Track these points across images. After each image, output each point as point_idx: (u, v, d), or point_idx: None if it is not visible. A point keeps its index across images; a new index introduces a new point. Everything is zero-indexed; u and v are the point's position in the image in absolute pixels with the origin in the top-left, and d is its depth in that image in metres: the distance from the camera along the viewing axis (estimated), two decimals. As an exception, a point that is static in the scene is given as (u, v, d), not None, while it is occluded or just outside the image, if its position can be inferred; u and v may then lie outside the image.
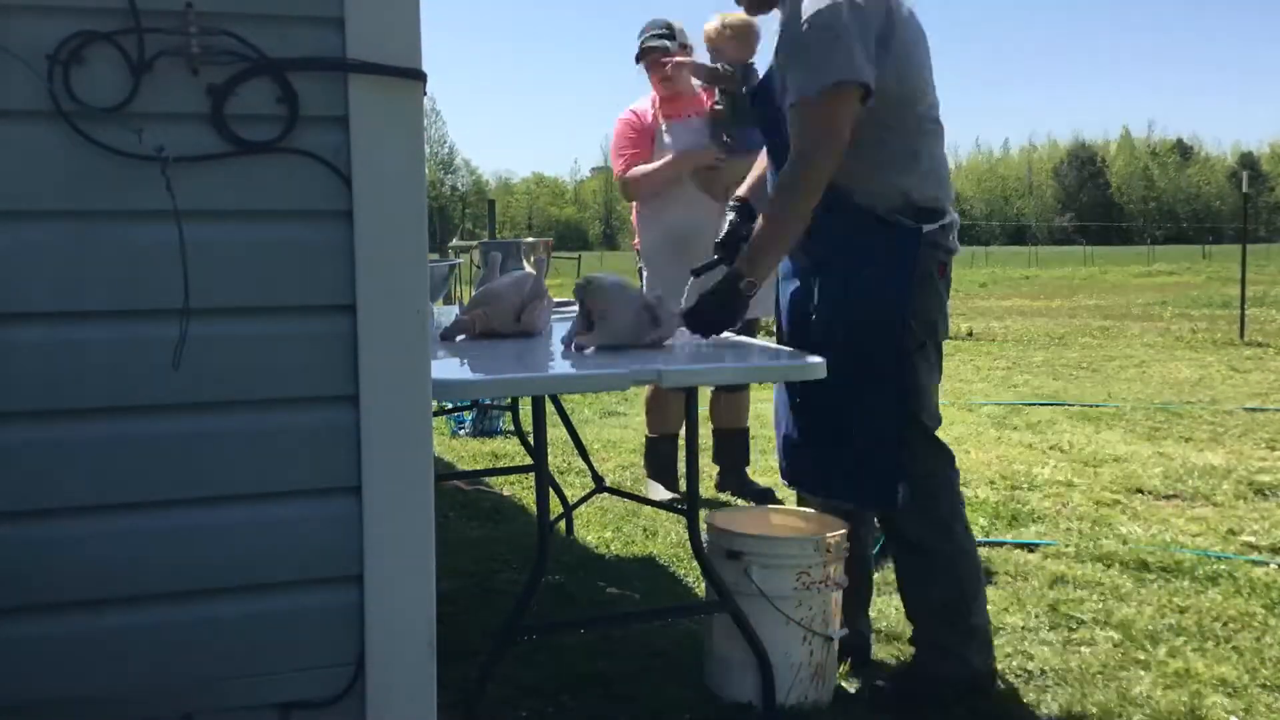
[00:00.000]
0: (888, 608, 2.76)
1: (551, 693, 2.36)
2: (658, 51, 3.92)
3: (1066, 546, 3.42)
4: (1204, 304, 14.68)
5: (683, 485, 3.86)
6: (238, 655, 1.54)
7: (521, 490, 4.25)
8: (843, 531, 2.36)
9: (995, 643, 2.63)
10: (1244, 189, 11.84)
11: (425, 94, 1.55)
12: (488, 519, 3.89)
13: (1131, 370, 7.92)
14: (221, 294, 1.48)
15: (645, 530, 3.67)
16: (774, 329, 2.65)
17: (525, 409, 3.71)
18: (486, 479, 4.45)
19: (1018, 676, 2.46)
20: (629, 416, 6.03)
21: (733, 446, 4.24)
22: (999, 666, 2.49)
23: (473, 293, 2.62)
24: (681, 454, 3.93)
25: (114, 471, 1.46)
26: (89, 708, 1.49)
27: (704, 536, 2.35)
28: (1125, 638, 2.67)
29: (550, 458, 4.18)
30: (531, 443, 3.04)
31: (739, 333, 2.57)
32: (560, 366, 2.14)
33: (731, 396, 4.18)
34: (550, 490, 2.75)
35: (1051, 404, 6.39)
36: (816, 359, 2.08)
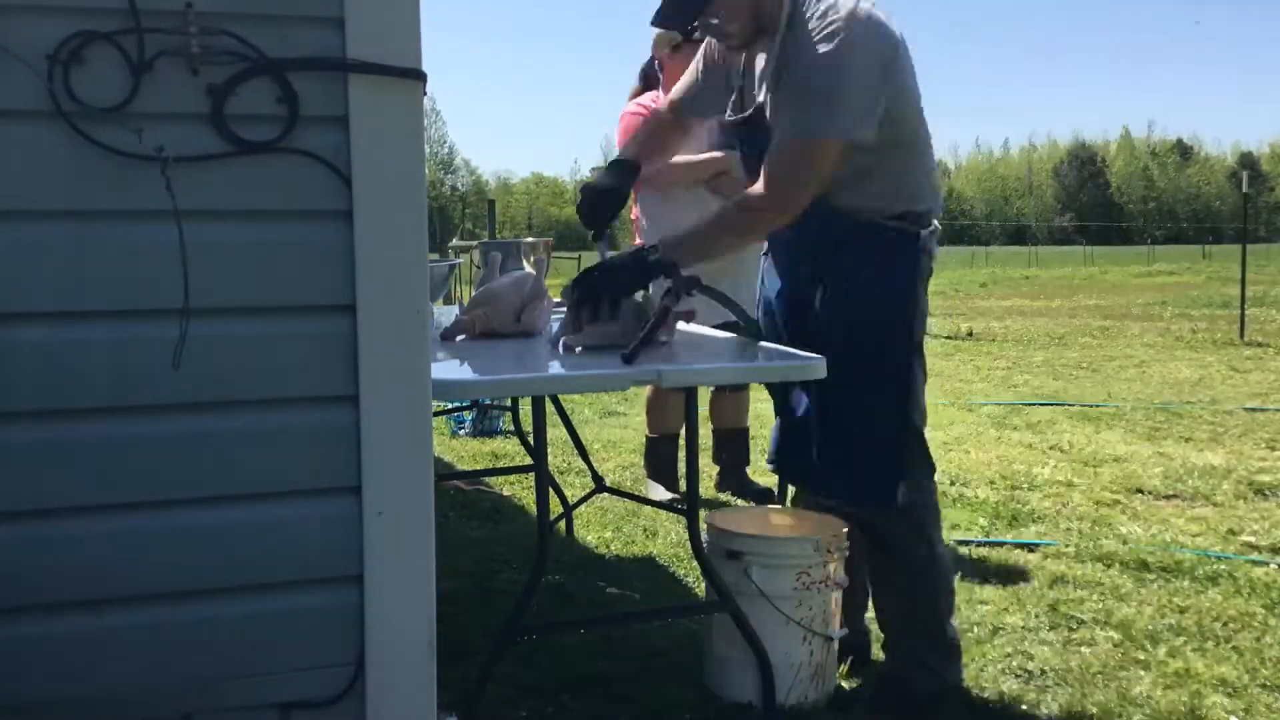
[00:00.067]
0: (888, 608, 2.76)
1: (551, 693, 2.36)
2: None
3: (1066, 546, 3.42)
4: (1204, 304, 14.68)
5: (683, 485, 3.86)
6: (238, 655, 1.54)
7: (521, 490, 4.25)
8: (843, 531, 2.36)
9: (995, 643, 2.64)
10: (1244, 189, 11.85)
11: (425, 94, 1.55)
12: (488, 519, 3.89)
13: (1131, 370, 7.92)
14: (221, 294, 1.48)
15: (645, 530, 3.67)
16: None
17: (525, 409, 3.71)
18: (486, 479, 4.45)
19: (1018, 676, 2.46)
20: (629, 416, 6.03)
21: (733, 446, 4.24)
22: (999, 667, 2.50)
23: (473, 293, 2.62)
24: (682, 454, 3.93)
25: (114, 471, 1.46)
26: (89, 708, 1.49)
27: (704, 536, 2.35)
28: (1125, 638, 2.67)
29: (550, 458, 4.18)
30: (531, 443, 3.04)
31: (728, 329, 2.57)
32: (560, 367, 2.14)
33: (732, 397, 4.18)
34: (550, 490, 2.75)
35: (1051, 404, 6.39)
36: (817, 358, 2.08)
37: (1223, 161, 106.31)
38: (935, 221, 2.30)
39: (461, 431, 5.55)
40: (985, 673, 2.47)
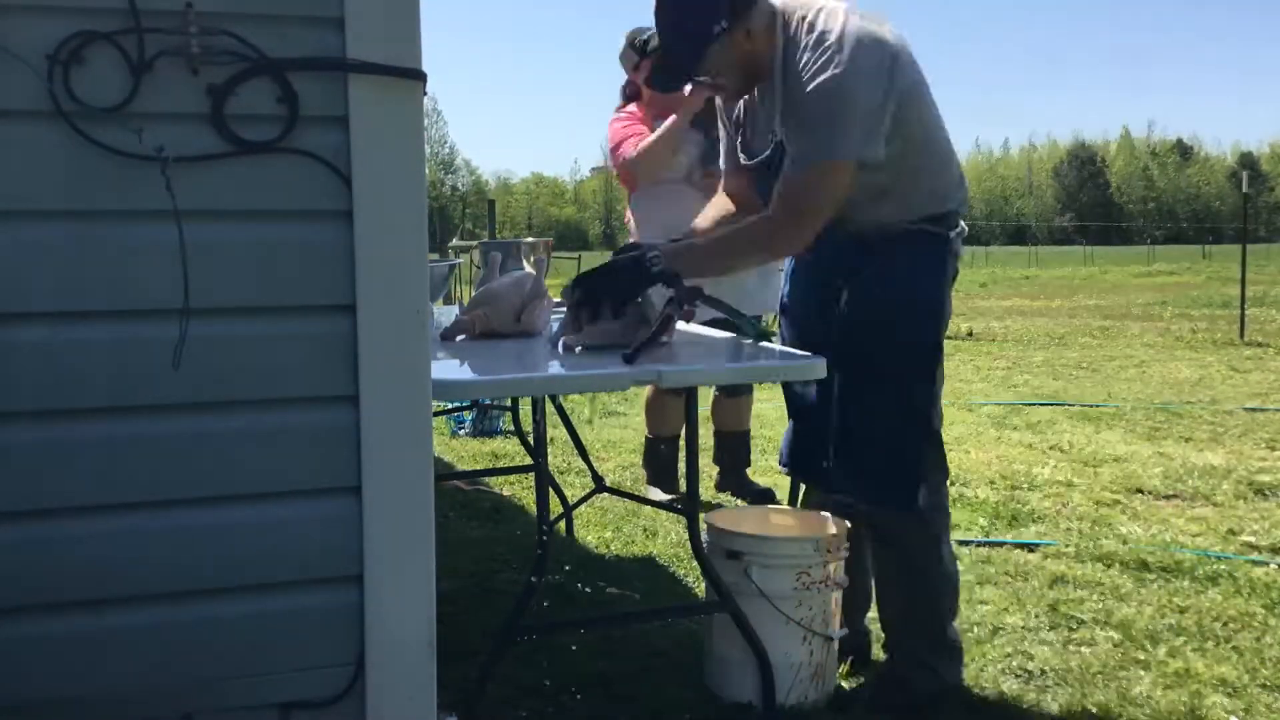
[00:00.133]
0: (888, 608, 2.76)
1: (551, 693, 2.36)
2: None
3: (1066, 546, 3.42)
4: (1204, 304, 14.68)
5: (682, 486, 3.86)
6: (238, 655, 1.54)
7: (521, 490, 4.25)
8: (843, 531, 2.36)
9: (995, 643, 2.64)
10: (1244, 189, 11.85)
11: (425, 94, 1.55)
12: (488, 519, 3.89)
13: (1131, 370, 7.92)
14: (221, 294, 1.48)
15: (645, 530, 3.67)
16: (777, 328, 2.64)
17: (525, 409, 3.71)
18: (486, 479, 4.45)
19: (1018, 676, 2.46)
20: (629, 416, 6.03)
21: (733, 448, 4.24)
22: (999, 667, 2.50)
23: (473, 293, 2.62)
24: (682, 454, 3.93)
25: (114, 471, 1.46)
26: (89, 708, 1.49)
27: (704, 537, 2.35)
28: (1125, 638, 2.67)
29: (550, 458, 4.19)
30: (531, 443, 3.05)
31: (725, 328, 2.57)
32: (560, 367, 2.14)
33: (733, 400, 4.18)
34: (550, 490, 2.75)
35: (1051, 404, 6.39)
36: (818, 359, 2.08)
37: (1223, 161, 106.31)
38: (962, 222, 2.30)
39: (461, 431, 5.55)
40: (985, 673, 2.47)
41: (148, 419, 1.47)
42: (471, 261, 2.93)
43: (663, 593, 3.08)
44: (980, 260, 37.32)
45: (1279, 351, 8.92)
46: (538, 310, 2.49)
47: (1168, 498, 4.12)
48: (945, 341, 2.38)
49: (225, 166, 1.46)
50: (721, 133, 2.52)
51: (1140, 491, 4.19)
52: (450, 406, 5.05)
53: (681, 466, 3.96)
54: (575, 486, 4.10)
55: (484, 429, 5.52)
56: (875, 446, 2.24)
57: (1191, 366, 8.01)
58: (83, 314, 1.44)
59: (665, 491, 4.09)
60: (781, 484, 3.97)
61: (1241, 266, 10.89)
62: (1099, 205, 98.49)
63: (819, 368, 2.05)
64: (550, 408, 3.23)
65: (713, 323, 2.79)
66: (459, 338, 2.45)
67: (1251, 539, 3.52)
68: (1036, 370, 8.07)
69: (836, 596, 2.37)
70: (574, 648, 2.58)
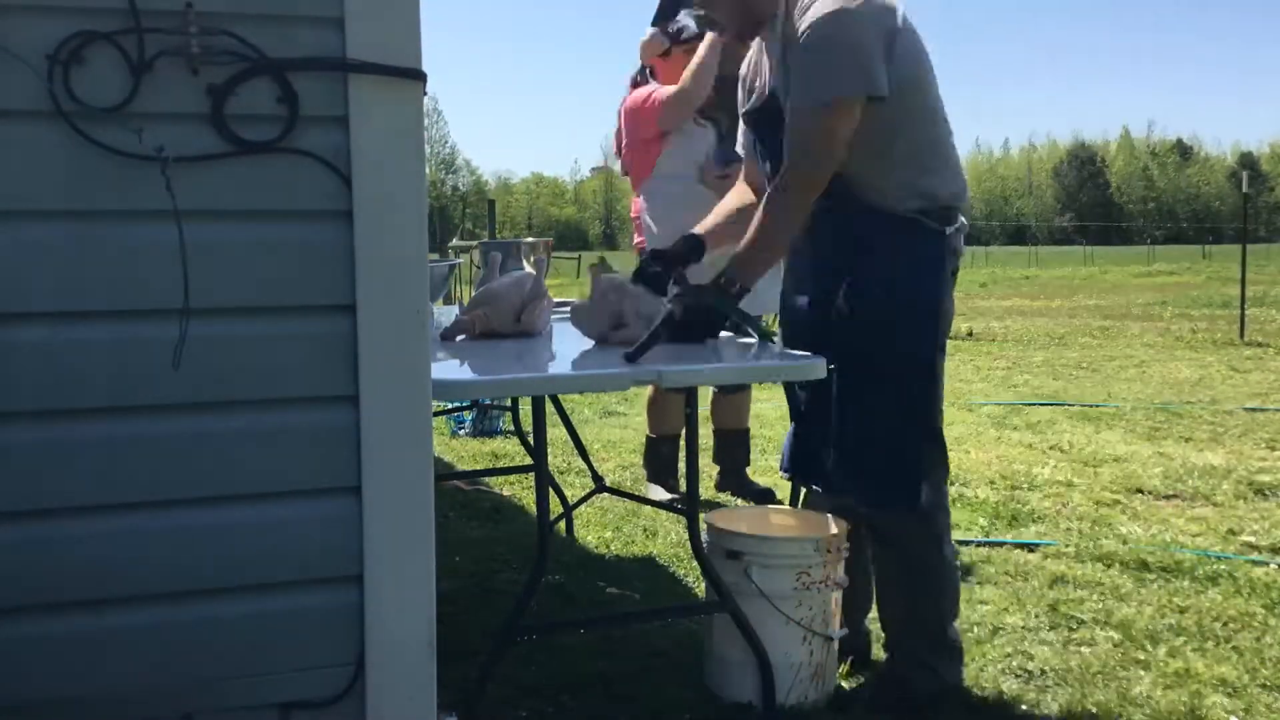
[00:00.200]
0: (888, 608, 2.76)
1: (551, 693, 2.36)
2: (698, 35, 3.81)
3: (1066, 546, 3.42)
4: (1204, 304, 14.68)
5: (683, 485, 3.86)
6: (238, 655, 1.54)
7: (521, 490, 4.25)
8: (843, 531, 2.36)
9: (995, 643, 2.64)
10: (1244, 189, 11.85)
11: (426, 94, 1.55)
12: (488, 519, 3.89)
13: (1131, 370, 7.92)
14: (221, 294, 1.48)
15: (645, 530, 3.67)
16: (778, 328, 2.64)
17: (525, 409, 3.71)
18: (486, 479, 4.45)
19: (1018, 676, 2.46)
20: (629, 416, 6.03)
21: (733, 447, 4.24)
22: (999, 667, 2.50)
23: (473, 293, 2.62)
24: (682, 454, 3.93)
25: (114, 471, 1.46)
26: (89, 708, 1.49)
27: (704, 537, 2.35)
28: (1125, 638, 2.67)
29: (550, 458, 4.18)
30: (531, 443, 3.04)
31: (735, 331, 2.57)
32: (560, 367, 2.14)
33: (733, 398, 4.18)
34: (550, 490, 2.75)
35: (1051, 404, 6.39)
36: (818, 359, 2.08)
37: (1223, 161, 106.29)
38: (962, 218, 2.30)
39: (461, 431, 5.55)
40: (985, 673, 2.47)
41: (148, 419, 1.47)
42: (471, 261, 2.94)
43: (663, 593, 3.08)
44: (980, 260, 37.32)
45: (1279, 351, 8.92)
46: (538, 310, 2.49)
47: (1168, 498, 4.12)
48: (946, 341, 2.37)
49: (225, 166, 1.46)
50: (741, 127, 2.52)
51: (1140, 491, 4.19)
52: (450, 406, 5.05)
53: (682, 466, 3.96)
54: (575, 486, 4.10)
55: (484, 429, 5.52)
56: (875, 447, 2.24)
57: (1191, 366, 8.02)
58: (83, 314, 1.44)
59: (666, 489, 4.09)
60: (782, 484, 3.98)
61: (1241, 266, 10.89)
62: (1099, 205, 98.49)
63: (819, 368, 2.05)
64: (550, 407, 3.23)
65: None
66: (459, 338, 2.45)
67: (1251, 539, 3.52)
68: (1036, 370, 8.07)
69: (836, 596, 2.37)
70: (574, 648, 2.58)
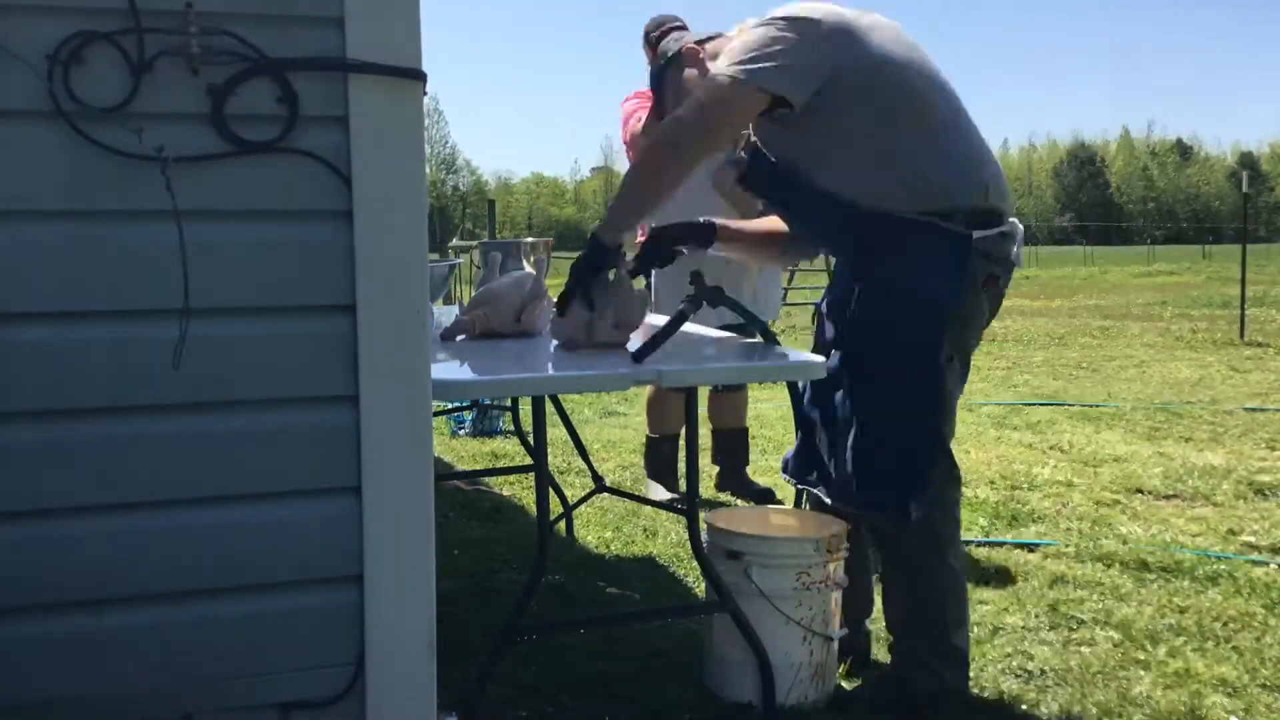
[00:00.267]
0: (888, 608, 2.76)
1: (551, 693, 2.36)
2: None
3: (1066, 546, 3.42)
4: (1204, 304, 14.68)
5: (683, 485, 3.86)
6: (238, 655, 1.54)
7: (521, 490, 4.25)
8: (843, 531, 2.36)
9: (995, 643, 2.63)
10: (1244, 189, 11.84)
11: (426, 94, 1.55)
12: (488, 519, 3.89)
13: (1131, 370, 7.92)
14: (221, 294, 1.48)
15: (645, 530, 3.67)
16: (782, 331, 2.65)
17: (525, 409, 3.71)
18: (486, 479, 4.45)
19: (1018, 676, 2.46)
20: (629, 416, 6.03)
21: (732, 446, 4.24)
22: (999, 667, 2.50)
23: (473, 293, 2.62)
24: (682, 454, 3.93)
25: (114, 471, 1.46)
26: (89, 708, 1.49)
27: (704, 536, 2.35)
28: (1125, 638, 2.67)
29: (550, 458, 4.18)
30: (531, 443, 3.05)
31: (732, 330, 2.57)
32: (560, 367, 2.14)
33: (730, 396, 4.18)
34: (550, 490, 2.75)
35: (1051, 404, 6.39)
36: (817, 359, 2.08)
37: (1223, 161, 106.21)
38: (1012, 223, 2.22)
39: (461, 431, 5.55)
40: (985, 673, 2.47)
41: (148, 419, 1.47)
42: (471, 261, 2.94)
43: (663, 593, 3.08)
44: (980, 260, 37.22)
45: (1279, 351, 8.92)
46: (538, 310, 2.49)
47: (1168, 498, 4.12)
48: (966, 351, 2.30)
49: (225, 166, 1.46)
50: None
51: (1140, 491, 4.19)
52: (450, 406, 5.05)
53: (682, 466, 3.96)
54: (575, 486, 4.10)
55: (484, 429, 5.52)
56: (875, 449, 2.22)
57: (1191, 366, 8.02)
58: (83, 314, 1.44)
59: (666, 489, 4.09)
60: (782, 483, 3.97)
61: (1241, 266, 10.89)
62: (1099, 205, 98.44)
63: (818, 368, 2.05)
64: (550, 407, 3.23)
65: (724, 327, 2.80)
66: (459, 338, 2.45)
67: (1251, 539, 3.52)
68: (1036, 370, 8.07)
69: (836, 596, 2.37)
70: (574, 648, 2.58)
